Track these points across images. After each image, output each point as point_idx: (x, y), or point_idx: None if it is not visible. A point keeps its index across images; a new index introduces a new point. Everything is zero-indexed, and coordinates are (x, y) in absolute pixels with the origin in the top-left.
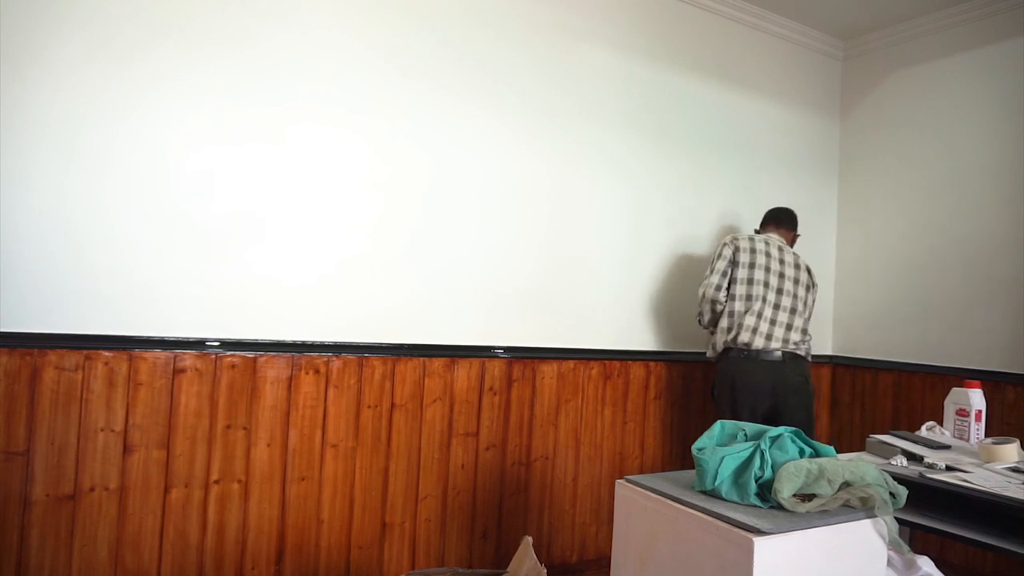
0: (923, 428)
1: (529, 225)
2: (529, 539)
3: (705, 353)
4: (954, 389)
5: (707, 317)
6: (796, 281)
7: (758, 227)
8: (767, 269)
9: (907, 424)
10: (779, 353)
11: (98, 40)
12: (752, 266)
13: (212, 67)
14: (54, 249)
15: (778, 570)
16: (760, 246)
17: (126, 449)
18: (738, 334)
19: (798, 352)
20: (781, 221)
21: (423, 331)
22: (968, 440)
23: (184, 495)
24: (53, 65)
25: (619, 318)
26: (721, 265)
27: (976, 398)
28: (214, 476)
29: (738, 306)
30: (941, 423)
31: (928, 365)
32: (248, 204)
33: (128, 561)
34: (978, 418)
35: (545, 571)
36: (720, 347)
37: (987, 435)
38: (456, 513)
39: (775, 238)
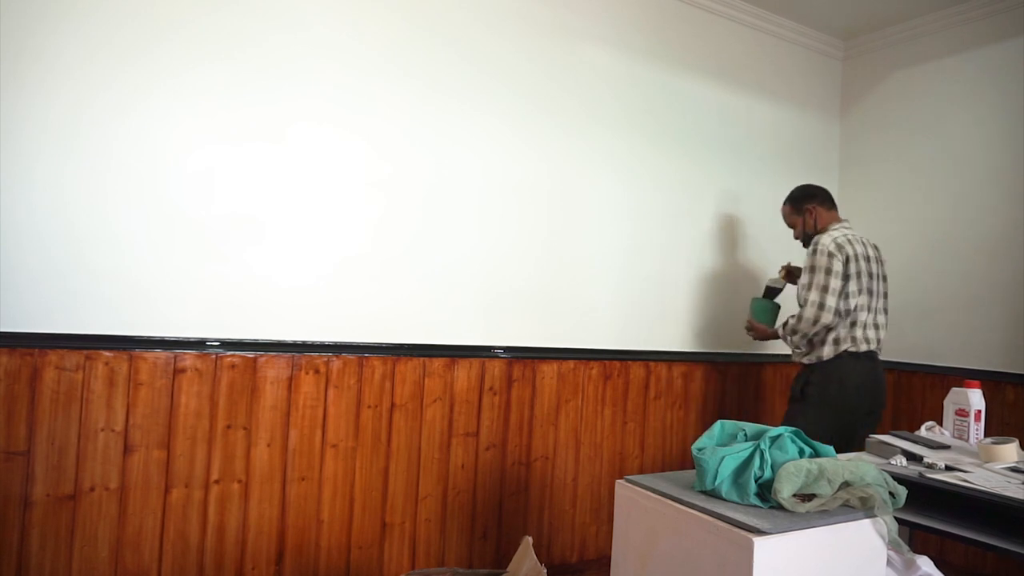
0: (923, 428)
1: (529, 225)
2: (529, 539)
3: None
4: (954, 389)
5: (807, 339)
6: (884, 279)
7: (815, 204)
8: (870, 275)
9: (907, 424)
10: (874, 354)
11: (98, 40)
12: (859, 275)
13: (212, 67)
14: (54, 249)
15: (778, 570)
16: (860, 249)
17: (126, 449)
18: (846, 341)
19: (879, 351)
20: (835, 202)
21: (423, 331)
22: (968, 440)
23: (184, 495)
24: (53, 65)
25: (619, 318)
26: (837, 284)
27: (976, 398)
28: (214, 476)
29: (848, 319)
30: (941, 423)
31: (928, 365)
32: (248, 204)
33: (128, 561)
34: (977, 418)
35: (545, 571)
36: (827, 356)
37: (987, 435)
38: (456, 513)
39: (857, 232)
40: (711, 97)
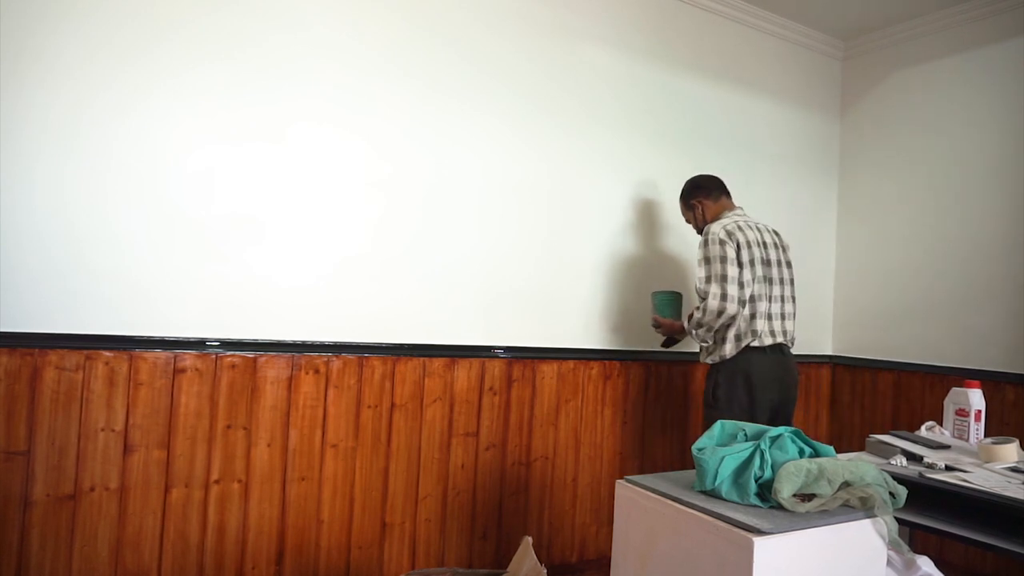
0: (923, 428)
1: (529, 224)
2: (529, 539)
3: (699, 356)
4: (954, 389)
5: (712, 332)
6: (788, 264)
7: (701, 197)
8: (766, 262)
9: (907, 424)
10: (783, 347)
11: (98, 40)
12: (752, 263)
13: (212, 67)
14: (54, 249)
15: (778, 570)
16: (753, 235)
17: (126, 449)
18: (748, 335)
19: (790, 344)
20: (726, 190)
21: (423, 331)
22: (968, 440)
23: (184, 495)
24: (53, 65)
25: (620, 318)
26: (735, 272)
27: (976, 398)
28: (214, 476)
29: (747, 310)
30: (941, 423)
31: (928, 365)
32: (248, 204)
33: (128, 561)
34: (977, 418)
35: (545, 571)
36: (729, 353)
37: (987, 435)
38: (456, 513)
39: (751, 217)
40: (711, 97)
